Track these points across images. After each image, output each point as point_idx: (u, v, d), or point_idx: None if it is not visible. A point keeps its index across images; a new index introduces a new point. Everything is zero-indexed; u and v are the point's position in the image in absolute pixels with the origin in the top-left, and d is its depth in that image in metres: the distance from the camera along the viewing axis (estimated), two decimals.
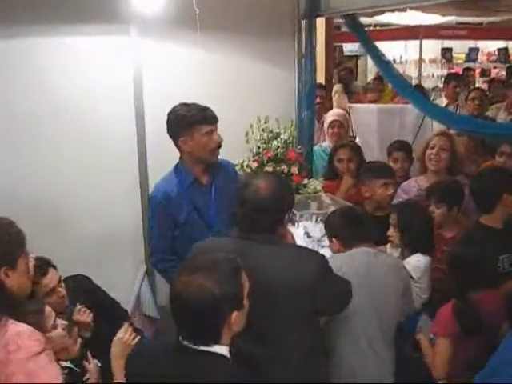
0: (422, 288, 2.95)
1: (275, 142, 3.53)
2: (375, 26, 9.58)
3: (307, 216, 3.16)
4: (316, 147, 4.33)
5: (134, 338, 2.43)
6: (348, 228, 2.68)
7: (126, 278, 3.64)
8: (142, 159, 3.57)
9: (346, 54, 10.13)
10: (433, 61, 10.48)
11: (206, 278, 1.62)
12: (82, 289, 2.96)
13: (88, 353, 2.50)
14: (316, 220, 3.15)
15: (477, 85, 9.18)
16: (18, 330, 1.77)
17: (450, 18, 9.48)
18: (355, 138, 4.88)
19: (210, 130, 2.84)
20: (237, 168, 3.47)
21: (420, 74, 8.49)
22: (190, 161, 2.92)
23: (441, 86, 8.06)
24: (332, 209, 3.24)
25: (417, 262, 2.94)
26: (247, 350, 1.98)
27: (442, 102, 6.18)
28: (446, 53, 10.40)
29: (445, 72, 9.63)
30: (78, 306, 2.74)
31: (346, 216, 2.73)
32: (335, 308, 2.35)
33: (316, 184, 3.53)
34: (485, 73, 10.19)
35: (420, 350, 2.72)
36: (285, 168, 3.47)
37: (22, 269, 1.88)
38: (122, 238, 3.57)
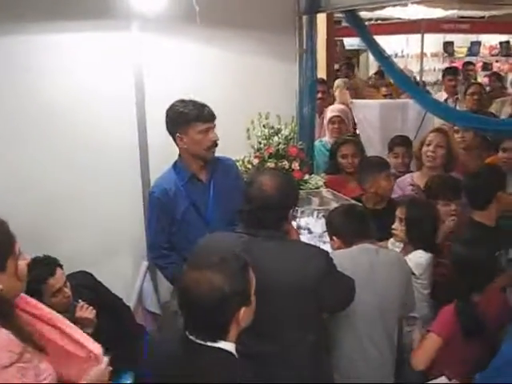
0: (424, 284, 2.96)
1: (276, 138, 3.53)
2: (376, 20, 9.52)
3: (309, 212, 3.17)
4: (316, 142, 4.33)
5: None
6: (349, 226, 2.68)
7: (128, 274, 3.65)
8: (144, 155, 3.57)
9: (348, 48, 10.11)
10: (434, 55, 10.44)
11: (215, 275, 1.64)
12: (85, 285, 2.98)
13: None
14: (317, 216, 3.16)
15: (478, 79, 9.17)
16: None
17: (452, 12, 9.44)
18: (355, 133, 4.87)
19: (206, 128, 2.84)
20: (238, 164, 3.48)
21: (422, 68, 8.45)
22: (188, 157, 2.94)
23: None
24: (333, 204, 3.25)
25: (419, 259, 2.93)
26: (251, 347, 1.97)
27: (442, 95, 6.16)
28: (448, 47, 10.37)
29: (446, 66, 9.59)
30: (81, 303, 2.76)
31: (347, 214, 2.73)
32: (339, 305, 2.37)
33: (317, 180, 3.54)
34: (487, 66, 10.15)
35: None
36: (286, 164, 3.48)
37: (11, 271, 1.81)
38: (124, 234, 3.57)
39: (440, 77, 9.27)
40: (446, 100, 5.98)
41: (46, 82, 3.23)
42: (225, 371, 1.64)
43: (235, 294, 1.65)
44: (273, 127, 3.58)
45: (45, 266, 2.64)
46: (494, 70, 9.75)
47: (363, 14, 3.77)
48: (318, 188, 3.51)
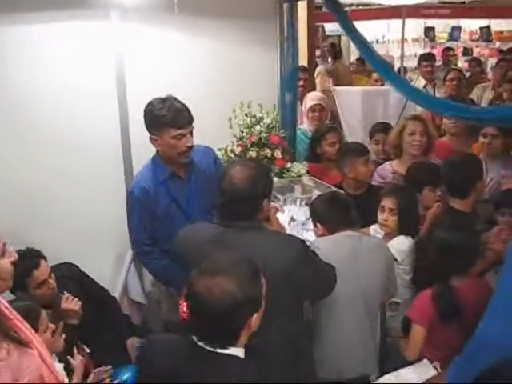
0: (406, 270, 3.01)
1: (258, 127, 3.53)
2: (357, 5, 9.52)
3: (291, 200, 3.18)
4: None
5: None
6: (333, 213, 2.70)
7: (113, 265, 3.65)
8: (126, 147, 3.55)
9: (328, 33, 10.09)
10: (416, 40, 10.45)
11: (228, 282, 1.59)
12: (69, 277, 2.98)
13: (74, 347, 2.51)
14: (300, 204, 3.17)
15: (459, 64, 9.21)
16: None
17: None
18: (334, 120, 4.89)
19: (180, 134, 2.78)
20: (221, 153, 3.48)
21: (402, 53, 8.46)
22: (165, 157, 2.91)
23: None
24: (315, 192, 3.27)
25: (401, 245, 2.98)
26: None
27: (421, 81, 6.19)
28: (429, 32, 10.38)
29: (427, 51, 9.62)
30: (66, 294, 2.76)
31: (330, 201, 2.75)
32: (318, 294, 2.39)
33: (300, 167, 3.55)
34: (467, 52, 10.21)
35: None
36: (268, 152, 3.49)
37: None
38: (108, 224, 3.56)
39: None
40: (424, 86, 6.00)
41: (21, 76, 3.18)
42: (235, 378, 1.61)
43: (248, 300, 1.61)
44: (255, 116, 3.57)
45: (28, 258, 2.63)
46: (475, 55, 9.81)
47: (343, 0, 3.76)
48: (300, 176, 3.52)
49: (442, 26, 10.49)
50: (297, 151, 4.08)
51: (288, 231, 2.95)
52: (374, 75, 6.37)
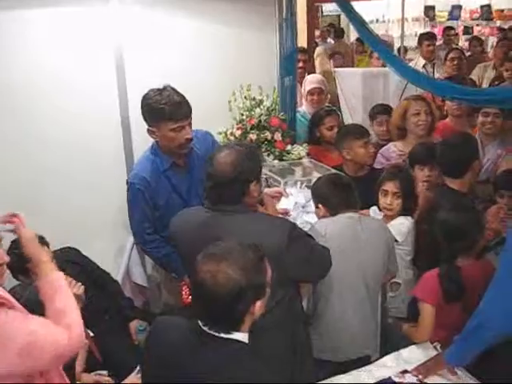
0: (406, 250, 3.02)
1: (258, 110, 3.52)
2: None
3: (291, 183, 3.18)
4: None
5: None
6: (334, 195, 2.70)
7: (115, 248, 3.66)
8: (126, 129, 3.54)
9: (328, 14, 10.03)
10: (416, 19, 10.38)
11: (232, 268, 1.60)
12: (72, 261, 2.99)
13: None
14: (300, 186, 3.17)
15: (460, 43, 9.14)
16: None
17: None
18: (334, 102, 4.88)
19: (179, 127, 2.75)
20: (221, 136, 3.48)
21: (403, 33, 8.39)
22: (164, 148, 2.89)
23: None
24: (315, 174, 3.27)
25: (401, 226, 2.99)
26: None
27: (420, 61, 6.15)
28: (429, 11, 10.30)
29: (428, 30, 9.55)
30: (69, 279, 2.77)
31: (333, 183, 2.75)
32: (309, 275, 2.38)
33: (300, 150, 3.55)
34: (467, 31, 10.13)
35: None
36: (268, 135, 3.49)
37: None
38: (111, 208, 3.57)
39: None
40: (424, 66, 5.95)
41: (13, 63, 3.14)
42: (239, 362, 1.63)
43: (252, 287, 1.62)
44: (254, 98, 3.57)
45: None
46: (475, 34, 9.73)
47: None
48: (300, 158, 3.52)
49: (442, 5, 10.40)
50: (296, 133, 4.08)
51: (293, 215, 2.96)
52: (375, 54, 6.33)
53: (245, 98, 3.55)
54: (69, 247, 3.09)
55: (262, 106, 3.54)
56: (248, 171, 2.21)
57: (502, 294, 2.08)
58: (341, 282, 2.61)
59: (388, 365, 2.45)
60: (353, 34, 9.58)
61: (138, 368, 2.47)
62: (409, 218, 3.03)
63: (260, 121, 3.51)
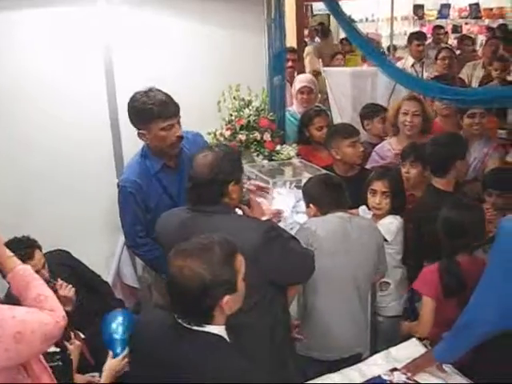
0: (396, 249, 3.04)
1: (247, 110, 3.53)
2: None
3: (281, 183, 3.19)
4: None
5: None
6: (326, 195, 2.71)
7: (105, 250, 3.65)
8: (116, 130, 3.54)
9: (317, 12, 10.03)
10: (405, 18, 10.41)
11: (197, 264, 1.64)
12: (62, 263, 2.99)
13: (71, 332, 2.53)
14: (290, 186, 3.18)
15: (449, 41, 9.17)
16: None
17: None
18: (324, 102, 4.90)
19: (169, 125, 2.75)
20: (210, 137, 3.48)
21: (392, 31, 8.42)
22: (154, 150, 2.88)
23: None
24: (305, 174, 3.28)
25: (390, 225, 3.01)
26: None
27: (409, 60, 6.17)
28: (418, 9, 10.33)
29: (417, 29, 9.58)
30: (59, 281, 2.77)
31: (324, 183, 2.76)
32: (289, 278, 2.36)
33: (289, 150, 3.56)
34: (456, 29, 10.16)
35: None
36: (257, 135, 3.49)
37: None
38: (100, 210, 3.57)
39: None
40: (413, 65, 5.97)
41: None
42: (212, 353, 1.66)
43: (217, 282, 1.64)
44: (243, 99, 3.57)
45: (23, 249, 2.62)
46: (464, 32, 9.77)
47: None
48: (290, 158, 3.53)
49: (431, 4, 10.44)
50: (286, 133, 4.08)
51: (287, 215, 2.96)
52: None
53: (234, 98, 3.56)
54: (59, 250, 3.08)
55: (250, 107, 3.54)
56: (226, 172, 2.22)
57: (493, 293, 2.09)
58: (331, 281, 2.63)
59: (378, 363, 2.46)
60: (342, 33, 9.62)
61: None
62: (398, 217, 3.05)
63: (249, 121, 3.52)
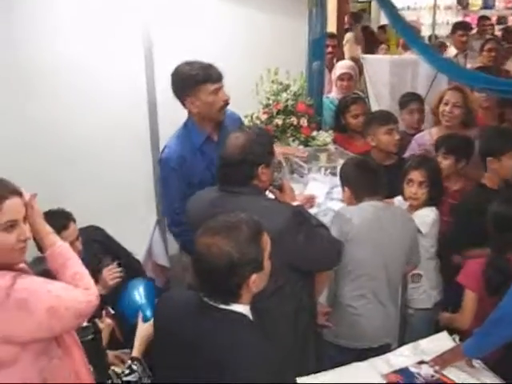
0: (430, 241, 2.99)
1: (285, 94, 3.50)
2: None
3: (316, 169, 3.17)
4: (324, 99, 4.28)
5: None
6: (360, 179, 2.68)
7: (138, 229, 3.69)
8: (153, 110, 3.57)
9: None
10: (448, 7, 10.18)
11: (225, 241, 1.64)
12: (95, 240, 3.02)
13: (102, 310, 2.55)
14: (324, 172, 3.16)
15: (494, 33, 8.94)
16: None
17: None
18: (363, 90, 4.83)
19: (216, 89, 2.77)
20: (246, 120, 3.47)
21: (434, 21, 8.23)
22: (199, 119, 2.87)
23: None
24: (340, 161, 3.24)
25: (426, 217, 2.95)
26: None
27: (452, 51, 6.04)
28: None
29: (460, 19, 9.36)
30: (113, 265, 2.81)
31: (359, 166, 2.73)
32: (312, 264, 2.34)
33: (325, 136, 3.52)
34: (501, 20, 9.90)
35: None
36: (294, 120, 3.47)
37: None
38: (135, 189, 3.61)
39: None
40: (455, 56, 5.85)
41: (39, 46, 3.14)
42: (235, 331, 1.66)
43: (245, 260, 1.65)
44: (281, 83, 3.54)
45: (58, 219, 2.67)
46: (509, 24, 9.51)
47: None
48: (325, 145, 3.50)
49: None
50: (324, 120, 4.05)
51: (319, 201, 2.95)
52: (401, 41, 6.25)
53: (272, 82, 3.53)
54: (93, 226, 3.11)
55: (288, 91, 3.51)
56: (256, 154, 2.23)
57: None
58: (362, 270, 2.61)
59: (406, 354, 2.45)
60: (383, 20, 9.46)
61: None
62: (434, 209, 3.00)
63: (286, 106, 3.49)
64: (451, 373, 2.30)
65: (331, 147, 3.48)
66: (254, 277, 1.69)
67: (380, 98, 4.67)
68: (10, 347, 1.70)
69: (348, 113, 3.87)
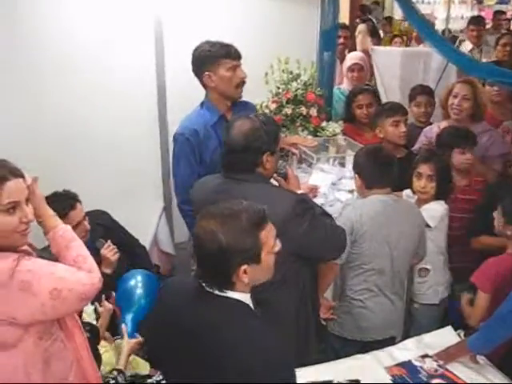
0: (438, 236, 2.96)
1: (295, 84, 3.47)
2: None
3: (324, 159, 3.15)
4: (335, 89, 4.25)
5: None
6: (371, 167, 2.65)
7: (144, 215, 3.70)
8: (162, 96, 3.57)
9: None
10: (463, 2, 10.11)
11: (219, 227, 1.62)
12: (101, 224, 3.03)
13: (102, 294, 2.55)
14: (333, 163, 3.14)
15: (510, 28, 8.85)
16: None
17: None
18: (373, 82, 4.79)
19: (234, 66, 2.83)
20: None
21: (448, 15, 8.15)
22: (216, 97, 2.91)
23: None
24: (349, 152, 3.24)
25: (433, 211, 2.92)
26: None
27: (467, 45, 5.99)
28: None
29: (475, 14, 9.29)
30: (108, 243, 2.81)
31: (371, 155, 2.70)
32: (316, 252, 2.31)
33: (335, 127, 3.49)
34: None
35: None
36: (303, 110, 3.44)
37: (0, 207, 1.70)
38: (142, 175, 3.61)
39: None
40: (470, 50, 5.81)
41: (59, 15, 3.15)
42: (231, 317, 1.65)
43: (235, 249, 1.62)
44: (292, 72, 3.51)
45: (66, 200, 2.68)
46: None
47: None
48: (334, 135, 3.47)
49: None
50: (335, 111, 4.02)
51: (322, 191, 2.92)
52: (414, 34, 6.19)
53: (282, 71, 3.50)
54: (100, 210, 3.12)
55: (299, 80, 3.48)
56: (261, 141, 2.21)
57: None
58: (370, 264, 2.61)
59: (409, 347, 2.45)
60: (397, 13, 9.38)
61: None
62: (442, 202, 2.97)
63: (296, 95, 3.46)
64: (455, 368, 2.29)
65: (340, 138, 3.45)
66: (244, 267, 1.64)
67: (388, 91, 4.62)
68: (14, 328, 1.70)
69: (354, 103, 3.84)
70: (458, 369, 2.28)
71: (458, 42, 6.68)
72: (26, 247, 1.84)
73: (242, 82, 2.89)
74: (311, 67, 3.62)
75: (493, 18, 8.14)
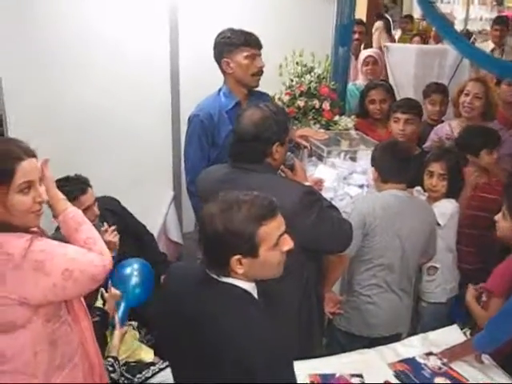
0: (448, 234, 2.94)
1: (309, 77, 3.46)
2: None
3: (335, 153, 3.13)
4: (350, 85, 4.23)
5: None
6: (387, 161, 2.65)
7: (153, 203, 3.69)
8: (175, 84, 3.56)
9: None
10: (483, 2, 10.02)
11: (218, 213, 1.62)
12: (110, 210, 3.03)
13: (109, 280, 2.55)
14: (344, 157, 3.13)
15: None
16: None
17: None
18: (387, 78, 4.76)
19: (253, 54, 2.88)
20: None
21: (467, 15, 8.08)
22: (233, 84, 2.95)
23: (488, 29, 7.72)
24: (361, 147, 3.23)
25: (444, 209, 2.90)
26: None
27: (488, 45, 5.94)
28: None
29: (494, 15, 9.20)
30: (105, 226, 2.81)
31: (388, 149, 2.70)
32: (324, 245, 2.29)
33: (347, 121, 3.48)
34: None
35: None
36: (316, 103, 3.43)
37: (15, 187, 1.69)
38: (152, 163, 3.61)
39: (486, 26, 8.94)
40: (492, 50, 5.76)
41: (66, 24, 3.13)
42: (231, 304, 1.65)
43: (230, 238, 1.59)
44: (306, 65, 3.50)
45: (77, 184, 2.70)
46: None
47: None
48: (347, 130, 3.45)
49: None
50: (350, 106, 4.00)
51: (327, 185, 2.91)
52: (433, 33, 6.15)
53: (296, 63, 3.49)
54: (108, 196, 3.12)
55: (312, 73, 3.47)
56: (271, 132, 2.19)
57: None
58: (380, 260, 2.61)
59: (414, 344, 2.44)
60: (415, 11, 9.31)
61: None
62: (453, 201, 2.95)
63: (309, 88, 3.45)
64: (459, 367, 2.27)
65: (352, 132, 3.43)
66: (238, 257, 1.61)
67: (401, 88, 4.59)
68: (24, 309, 1.70)
69: (367, 98, 3.82)
70: (462, 367, 2.27)
71: (472, 38, 6.64)
72: (36, 228, 1.84)
73: (260, 71, 2.93)
74: (325, 61, 3.61)
75: None
